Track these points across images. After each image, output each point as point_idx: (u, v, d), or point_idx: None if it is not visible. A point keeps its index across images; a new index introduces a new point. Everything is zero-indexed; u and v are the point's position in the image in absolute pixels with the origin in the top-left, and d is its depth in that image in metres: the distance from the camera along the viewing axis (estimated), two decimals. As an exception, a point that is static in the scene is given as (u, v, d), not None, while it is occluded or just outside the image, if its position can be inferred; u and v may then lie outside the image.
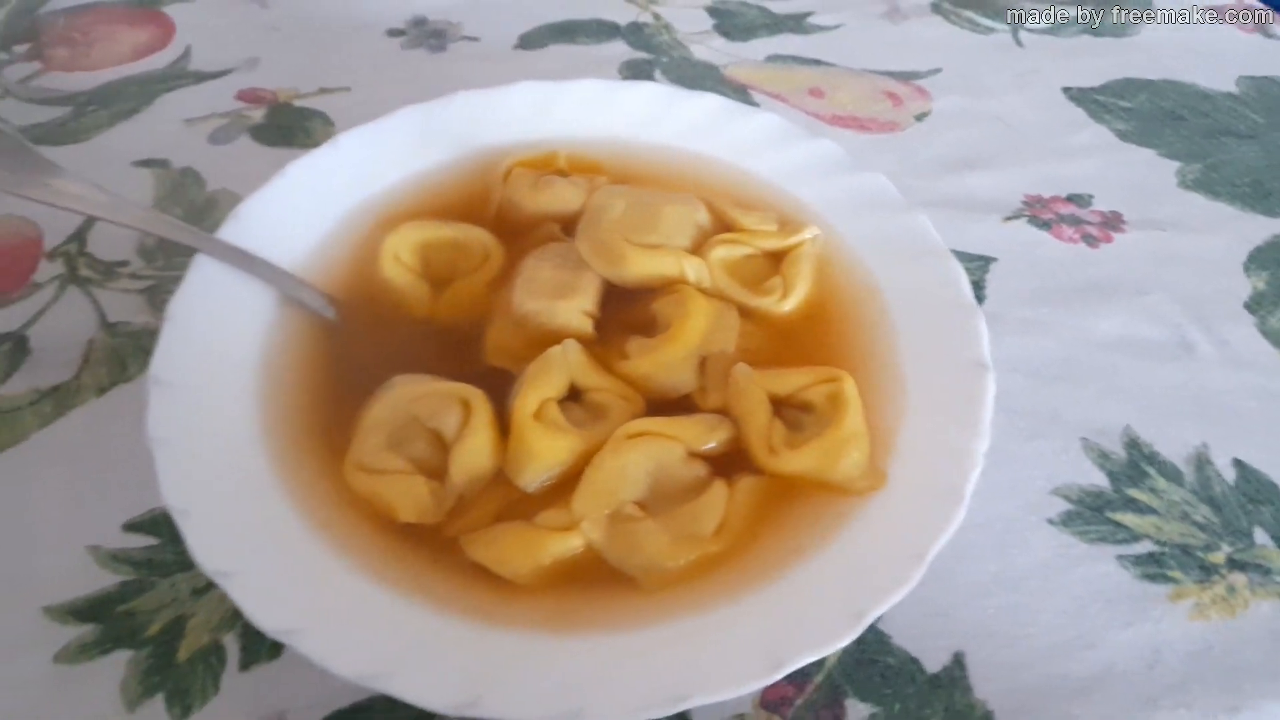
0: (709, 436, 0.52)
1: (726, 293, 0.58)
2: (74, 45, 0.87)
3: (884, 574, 0.45)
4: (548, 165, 0.65)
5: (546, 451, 0.49)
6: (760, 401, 0.53)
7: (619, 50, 0.89)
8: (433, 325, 0.58)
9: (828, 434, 0.51)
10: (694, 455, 0.51)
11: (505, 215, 0.63)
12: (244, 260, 0.55)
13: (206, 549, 0.43)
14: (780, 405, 0.53)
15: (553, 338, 0.54)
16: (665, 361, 0.54)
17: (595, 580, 0.47)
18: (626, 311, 0.58)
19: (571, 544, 0.47)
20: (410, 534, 0.48)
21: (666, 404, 0.54)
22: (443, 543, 0.48)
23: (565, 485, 0.50)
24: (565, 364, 0.52)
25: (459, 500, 0.49)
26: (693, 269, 0.58)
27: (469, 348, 0.56)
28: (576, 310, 0.56)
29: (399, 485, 0.49)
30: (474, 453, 0.49)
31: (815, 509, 0.50)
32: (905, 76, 0.87)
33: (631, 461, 0.49)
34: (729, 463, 0.52)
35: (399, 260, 0.59)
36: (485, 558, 0.47)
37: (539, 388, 0.51)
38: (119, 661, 0.47)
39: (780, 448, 0.51)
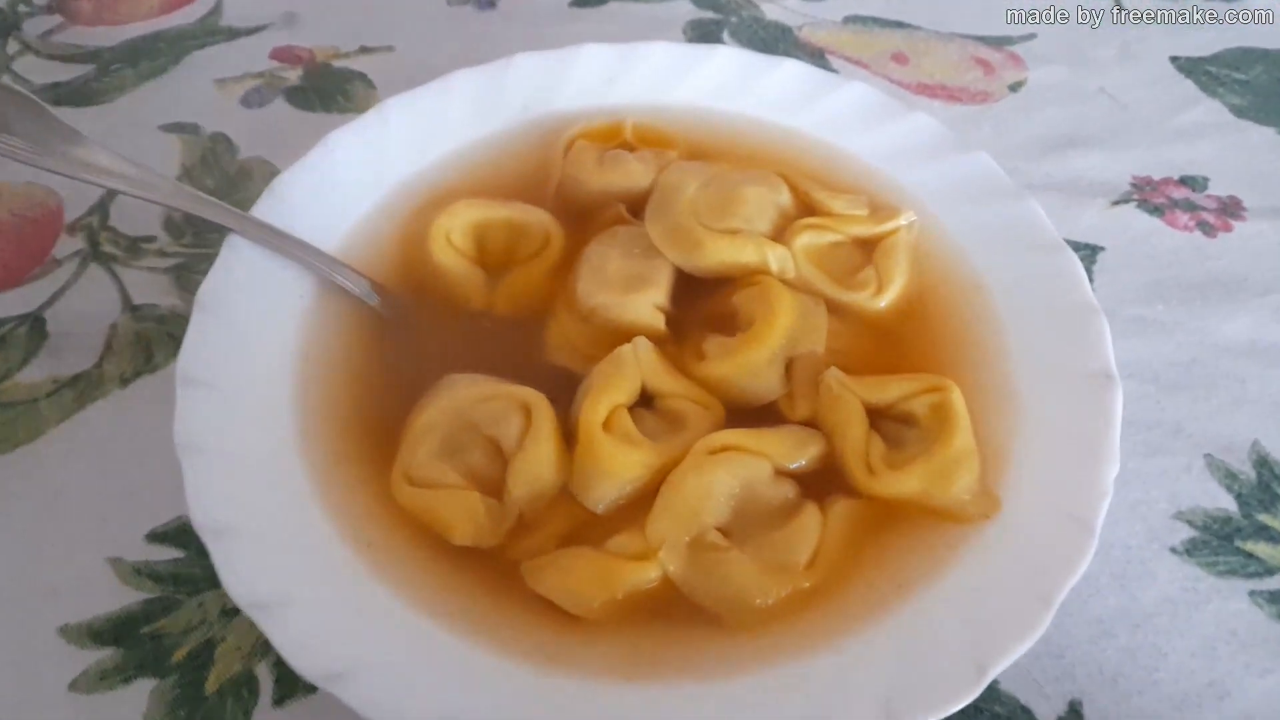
0: (799, 453, 0.46)
1: (813, 285, 0.52)
2: (99, -3, 0.81)
3: (1006, 620, 0.40)
4: (613, 137, 0.59)
5: (619, 468, 0.44)
6: (856, 413, 0.47)
7: (683, 9, 0.82)
8: (487, 317, 0.53)
9: (935, 452, 0.45)
10: (782, 474, 0.46)
11: (567, 193, 0.57)
12: (281, 242, 0.50)
13: (240, 578, 0.38)
14: (877, 417, 0.48)
15: (622, 335, 0.48)
16: (748, 364, 0.48)
17: (672, 617, 0.42)
18: (702, 305, 0.52)
19: (648, 575, 0.42)
20: (465, 557, 0.43)
21: (748, 413, 0.48)
22: (501, 567, 0.43)
23: (637, 505, 0.44)
24: (636, 366, 0.47)
25: (519, 520, 0.44)
26: (776, 258, 0.52)
27: (528, 344, 0.51)
28: (648, 304, 0.50)
29: (453, 502, 0.43)
30: (536, 464, 0.44)
31: (920, 538, 0.44)
32: (997, 42, 0.80)
33: (715, 481, 0.44)
34: (820, 482, 0.46)
35: (450, 243, 0.53)
36: (551, 590, 0.41)
37: (609, 393, 0.45)
38: (141, 691, 0.43)
39: (880, 467, 0.45)
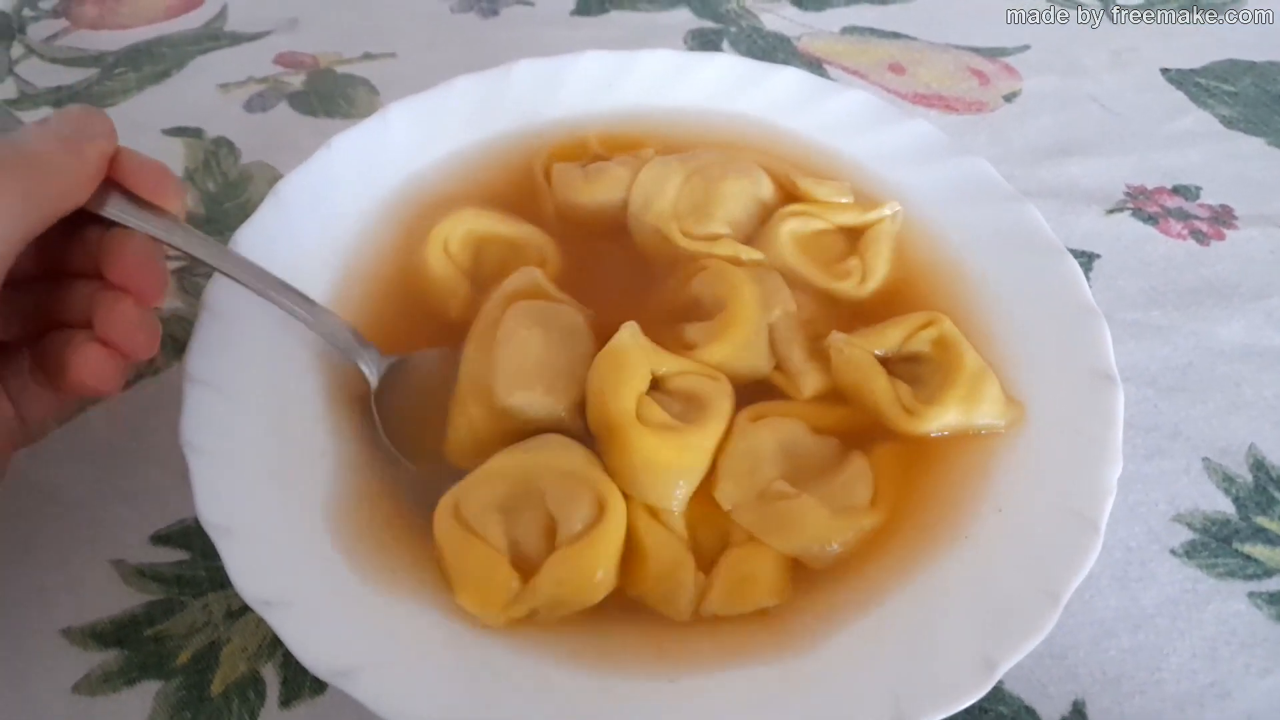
0: (826, 413, 0.48)
1: (799, 272, 0.53)
2: (103, 1, 0.81)
3: (1014, 616, 0.40)
4: (584, 152, 0.59)
5: (672, 456, 0.43)
6: (872, 364, 0.48)
7: (683, 18, 0.83)
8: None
9: (956, 378, 0.47)
10: (820, 431, 0.47)
11: (567, 217, 0.56)
12: (263, 284, 0.46)
13: (249, 574, 0.38)
14: (887, 364, 0.49)
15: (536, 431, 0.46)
16: (741, 338, 0.49)
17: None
18: (660, 296, 0.53)
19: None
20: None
21: (747, 396, 0.48)
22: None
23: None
24: (640, 349, 0.46)
25: (530, 614, 0.41)
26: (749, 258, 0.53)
27: None
28: (572, 405, 0.47)
29: (482, 563, 0.40)
30: (583, 568, 0.40)
31: (954, 480, 0.46)
32: (991, 53, 0.81)
33: (762, 440, 0.45)
34: (853, 439, 0.48)
35: (446, 251, 0.53)
36: (760, 598, 0.42)
37: (628, 380, 0.45)
38: (146, 693, 0.42)
39: (917, 406, 0.47)
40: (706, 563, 0.43)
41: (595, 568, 0.41)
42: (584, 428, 0.46)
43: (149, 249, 0.42)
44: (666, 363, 0.47)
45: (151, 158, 0.43)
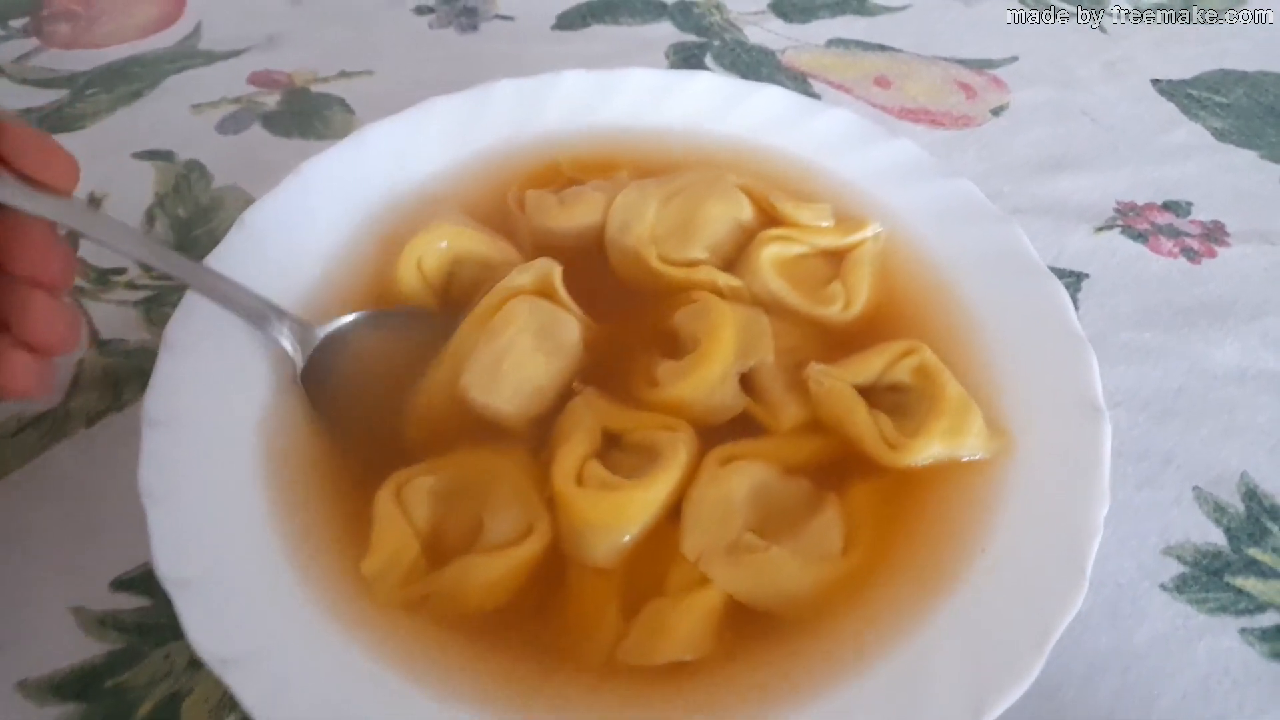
0: (801, 448, 0.47)
1: (782, 299, 0.52)
2: (76, 20, 0.80)
3: (998, 664, 0.39)
4: (555, 178, 0.58)
5: (606, 515, 0.43)
6: (853, 397, 0.47)
7: (666, 31, 0.82)
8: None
9: (939, 408, 0.46)
10: (792, 472, 0.46)
11: (543, 245, 0.54)
12: (230, 296, 0.47)
13: (206, 631, 0.37)
14: (868, 395, 0.48)
15: (491, 432, 0.46)
16: (703, 383, 0.47)
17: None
18: (642, 323, 0.52)
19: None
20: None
21: (721, 428, 0.47)
22: (482, 629, 0.41)
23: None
24: (591, 413, 0.46)
25: (424, 600, 0.41)
26: (729, 289, 0.52)
27: None
28: (529, 420, 0.47)
29: (395, 536, 0.42)
30: (478, 582, 0.41)
31: (937, 510, 0.45)
32: (979, 65, 0.79)
33: (733, 487, 0.44)
34: (829, 475, 0.46)
35: (419, 268, 0.52)
36: (668, 654, 0.40)
37: (572, 448, 0.44)
38: (105, 747, 0.41)
39: (899, 439, 0.46)
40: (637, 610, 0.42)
41: (494, 581, 0.41)
42: (542, 439, 0.47)
43: (49, 233, 0.40)
44: (621, 419, 0.46)
45: (39, 131, 0.41)
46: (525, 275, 0.49)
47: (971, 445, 0.46)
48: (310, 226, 0.53)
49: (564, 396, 0.48)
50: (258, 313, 0.47)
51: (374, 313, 0.50)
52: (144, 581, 0.46)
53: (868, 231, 0.55)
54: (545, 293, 0.50)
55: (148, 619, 0.45)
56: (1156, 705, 0.45)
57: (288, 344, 0.47)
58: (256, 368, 0.47)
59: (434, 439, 0.46)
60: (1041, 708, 0.44)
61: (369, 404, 0.48)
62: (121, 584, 0.46)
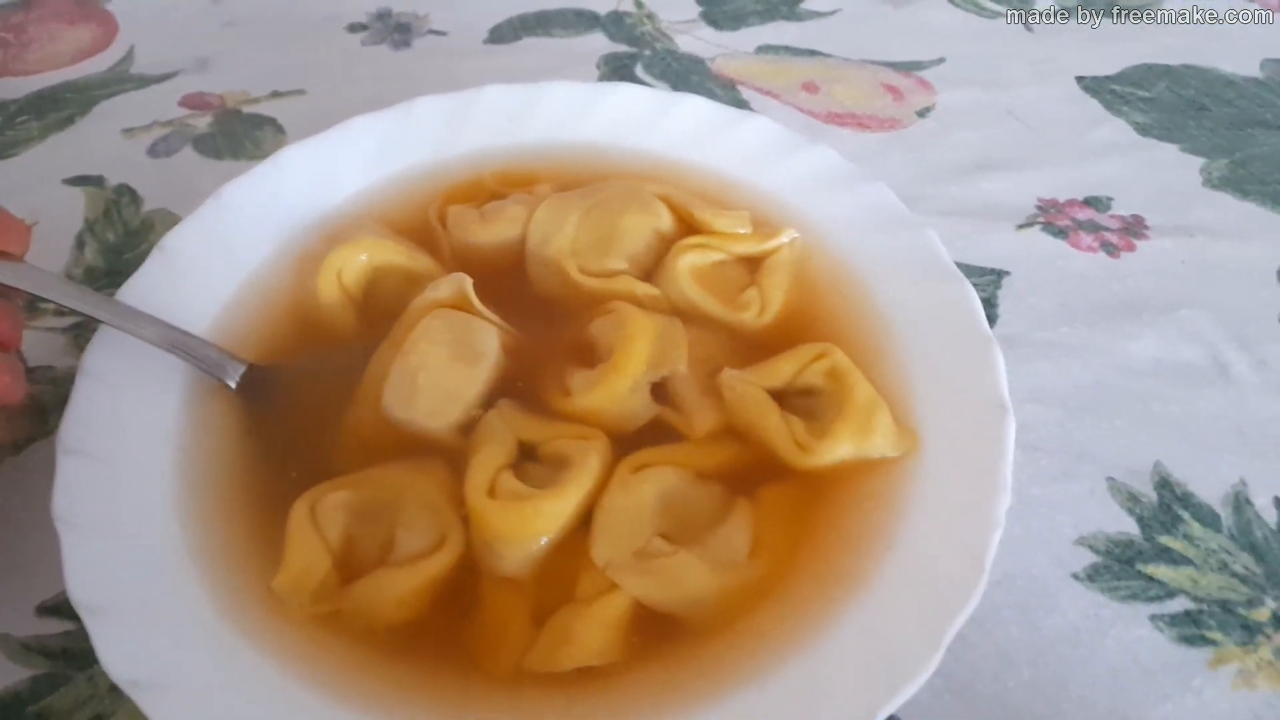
0: (714, 454, 0.48)
1: (698, 306, 0.53)
2: (7, 47, 0.80)
3: (896, 661, 0.39)
4: (478, 192, 0.59)
5: (516, 526, 0.43)
6: (764, 401, 0.48)
7: (598, 43, 0.83)
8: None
9: (848, 410, 0.47)
10: (706, 477, 0.47)
11: (464, 259, 0.55)
12: (139, 328, 0.47)
13: (119, 655, 0.38)
14: (781, 398, 0.49)
15: (423, 445, 0.47)
16: (612, 393, 0.48)
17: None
18: (558, 333, 0.53)
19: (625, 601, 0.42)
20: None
21: (636, 435, 0.48)
22: (402, 645, 0.42)
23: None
24: (505, 426, 0.47)
25: (336, 615, 0.42)
26: (648, 297, 0.53)
27: None
28: (452, 427, 0.48)
29: (308, 552, 0.42)
30: (392, 591, 0.42)
31: (846, 513, 0.46)
32: (907, 68, 0.81)
33: (643, 494, 0.45)
34: (743, 480, 0.47)
35: (339, 280, 0.52)
36: (574, 661, 0.41)
37: (485, 461, 0.45)
38: (27, 774, 0.42)
39: (810, 441, 0.47)
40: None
41: (406, 595, 0.42)
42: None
43: None
44: (535, 430, 0.47)
45: None
46: (440, 290, 0.50)
47: (879, 445, 0.47)
48: (230, 249, 0.53)
49: (491, 404, 0.49)
50: (177, 343, 0.47)
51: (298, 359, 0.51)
52: (69, 606, 0.46)
53: (783, 238, 0.56)
54: (461, 306, 0.50)
55: (72, 643, 0.45)
56: (1065, 696, 0.46)
57: (207, 372, 0.48)
58: (174, 395, 0.47)
59: (367, 461, 0.47)
60: (951, 704, 0.45)
61: (298, 430, 0.49)
62: (46, 609, 0.46)
